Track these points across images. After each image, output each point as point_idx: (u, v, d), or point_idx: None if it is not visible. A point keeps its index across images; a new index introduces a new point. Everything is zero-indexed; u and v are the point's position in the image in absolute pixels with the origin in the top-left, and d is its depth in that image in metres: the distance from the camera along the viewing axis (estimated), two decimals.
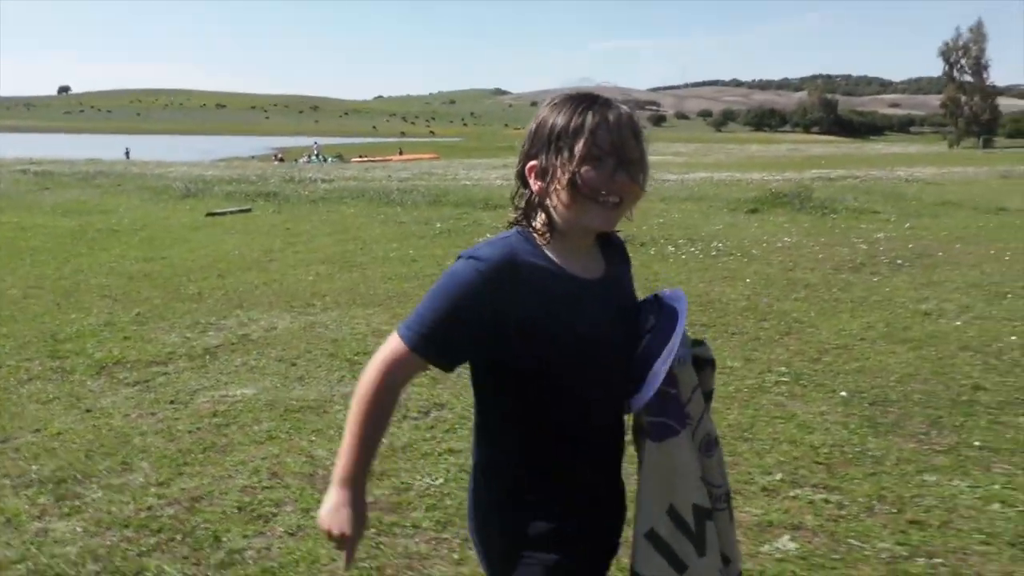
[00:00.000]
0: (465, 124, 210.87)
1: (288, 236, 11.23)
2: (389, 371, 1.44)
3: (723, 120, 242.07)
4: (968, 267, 8.96)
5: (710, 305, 7.20)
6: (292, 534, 3.20)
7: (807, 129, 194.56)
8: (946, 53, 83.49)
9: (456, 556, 3.05)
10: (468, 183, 21.58)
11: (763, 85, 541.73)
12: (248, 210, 14.21)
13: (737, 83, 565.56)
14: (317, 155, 53.41)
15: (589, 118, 1.40)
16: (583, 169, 1.39)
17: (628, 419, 1.58)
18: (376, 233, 11.53)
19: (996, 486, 3.63)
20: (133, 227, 11.92)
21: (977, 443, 4.11)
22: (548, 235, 1.46)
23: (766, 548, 3.13)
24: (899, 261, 9.31)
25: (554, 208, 1.45)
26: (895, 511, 3.42)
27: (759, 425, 4.38)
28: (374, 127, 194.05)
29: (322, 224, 12.53)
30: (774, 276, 8.55)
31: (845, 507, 3.45)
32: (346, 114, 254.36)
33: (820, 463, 3.89)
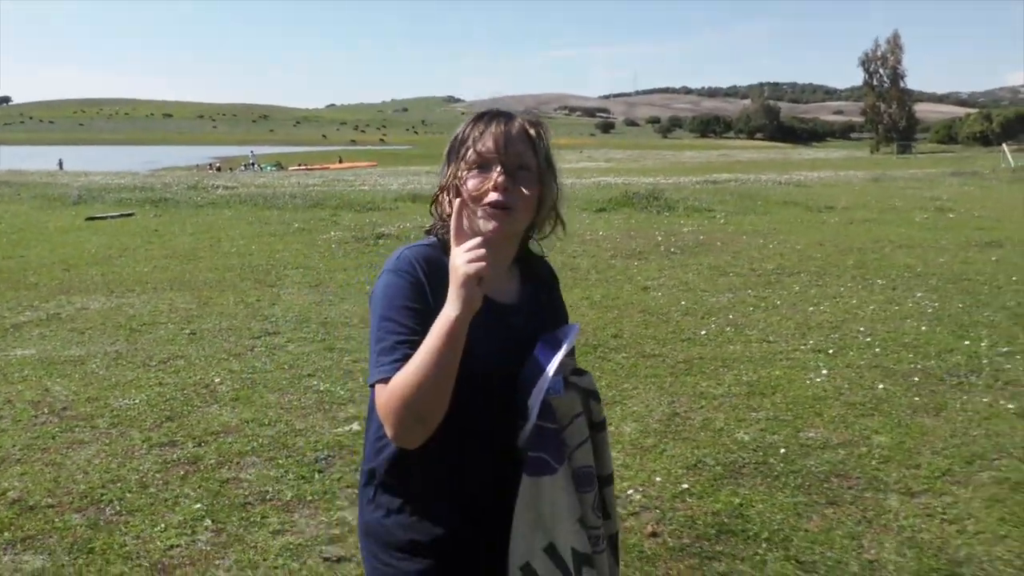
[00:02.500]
0: (416, 132, 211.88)
1: (151, 236, 12.32)
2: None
3: (670, 127, 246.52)
4: (728, 254, 10.45)
5: None
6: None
7: (751, 135, 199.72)
8: (865, 63, 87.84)
9: (107, 440, 4.28)
10: (365, 188, 22.77)
11: (712, 92, 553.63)
12: (131, 215, 15.23)
13: (687, 90, 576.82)
14: (253, 164, 52.60)
15: (476, 129, 1.46)
16: (466, 175, 1.44)
17: None
18: (235, 232, 12.68)
19: None
20: (8, 231, 12.89)
21: None
22: None
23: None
24: (673, 250, 10.77)
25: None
26: None
27: None
28: (324, 136, 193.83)
29: (190, 226, 13.64)
30: (554, 262, 9.85)
31: None
32: (297, 123, 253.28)
33: None
